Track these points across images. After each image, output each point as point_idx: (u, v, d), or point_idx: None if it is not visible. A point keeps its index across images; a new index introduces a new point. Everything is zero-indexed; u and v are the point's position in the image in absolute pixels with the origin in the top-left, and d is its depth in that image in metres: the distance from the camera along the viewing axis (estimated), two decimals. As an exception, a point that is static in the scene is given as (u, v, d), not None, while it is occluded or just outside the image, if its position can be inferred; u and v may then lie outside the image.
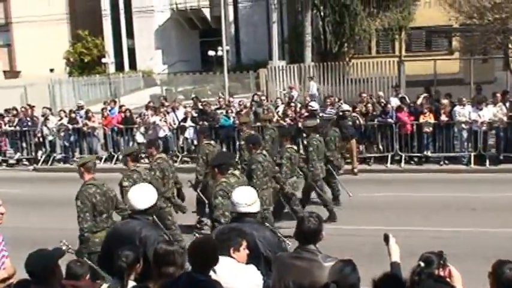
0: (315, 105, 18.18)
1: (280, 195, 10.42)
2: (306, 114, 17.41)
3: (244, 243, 4.76)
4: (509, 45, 19.41)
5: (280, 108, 19.07)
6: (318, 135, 11.86)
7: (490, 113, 16.21)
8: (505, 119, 16.03)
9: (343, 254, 5.01)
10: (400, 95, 18.93)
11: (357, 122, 16.68)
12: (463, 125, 16.32)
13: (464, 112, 16.34)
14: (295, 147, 11.90)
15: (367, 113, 17.05)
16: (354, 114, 16.80)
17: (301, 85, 27.03)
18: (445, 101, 16.86)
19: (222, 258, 4.42)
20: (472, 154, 16.15)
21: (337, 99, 19.09)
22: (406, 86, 23.36)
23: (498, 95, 16.71)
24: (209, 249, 4.27)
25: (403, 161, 16.59)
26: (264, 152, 9.79)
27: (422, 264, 3.93)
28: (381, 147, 17.12)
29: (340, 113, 16.01)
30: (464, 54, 28.99)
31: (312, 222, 4.60)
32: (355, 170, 15.97)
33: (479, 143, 16.13)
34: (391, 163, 16.68)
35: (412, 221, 11.34)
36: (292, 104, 18.97)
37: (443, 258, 4.14)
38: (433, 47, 38.22)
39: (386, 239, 4.62)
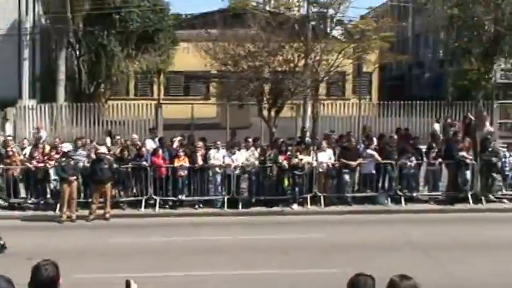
0: (68, 146, 17.67)
1: None
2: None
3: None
4: (263, 92, 20.92)
5: (27, 150, 17.92)
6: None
7: (243, 157, 17.18)
8: (256, 163, 17.10)
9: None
10: (156, 138, 19.12)
11: (112, 165, 16.36)
12: (217, 169, 17.01)
13: (218, 156, 17.08)
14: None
15: (122, 156, 16.83)
16: (109, 157, 16.47)
17: (52, 126, 25.86)
18: (200, 145, 17.44)
19: None
20: (226, 197, 16.86)
21: (89, 141, 18.59)
22: (163, 129, 23.75)
23: (250, 140, 17.86)
24: None
25: (157, 205, 16.63)
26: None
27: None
28: (135, 191, 16.97)
29: (95, 156, 15.63)
30: (220, 100, 30.53)
31: (49, 270, 4.22)
32: (107, 216, 15.59)
33: (233, 187, 16.92)
34: (145, 207, 16.61)
35: (164, 266, 11.32)
36: (40, 145, 17.95)
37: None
38: (191, 91, 39.71)
39: (127, 285, 4.44)
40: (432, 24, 32.17)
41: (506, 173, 17.61)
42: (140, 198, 16.69)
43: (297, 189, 16.81)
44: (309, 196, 16.90)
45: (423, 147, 18.34)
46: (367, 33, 23.77)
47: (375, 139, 18.55)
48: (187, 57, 33.42)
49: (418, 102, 28.21)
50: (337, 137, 19.89)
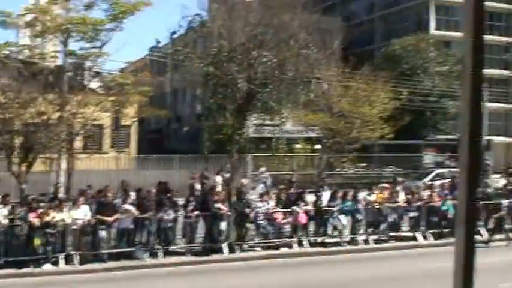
0: None
1: None
2: None
3: None
4: (13, 146, 19.63)
5: None
6: None
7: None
8: (5, 221, 15.93)
9: None
10: None
11: None
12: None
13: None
14: None
15: None
16: None
17: None
18: None
19: None
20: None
21: None
22: None
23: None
24: None
25: None
26: None
27: None
28: None
29: None
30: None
31: None
32: None
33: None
34: None
35: None
36: None
37: None
38: None
39: None
40: (189, 80, 33.56)
41: (259, 222, 18.80)
42: None
43: (49, 248, 15.98)
44: (62, 255, 16.14)
45: (181, 200, 18.78)
46: (126, 87, 23.93)
47: (132, 193, 18.53)
48: None
49: (176, 155, 28.96)
50: (94, 192, 19.41)
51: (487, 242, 19.37)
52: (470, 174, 2.68)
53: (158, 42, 52.42)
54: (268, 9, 19.97)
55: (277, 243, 18.89)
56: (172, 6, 33.86)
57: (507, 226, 20.88)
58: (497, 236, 20.40)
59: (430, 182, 25.16)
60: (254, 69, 19.24)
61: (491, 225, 20.76)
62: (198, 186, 22.69)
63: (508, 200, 21.59)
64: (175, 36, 32.07)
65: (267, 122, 21.42)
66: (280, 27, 19.73)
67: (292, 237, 19.04)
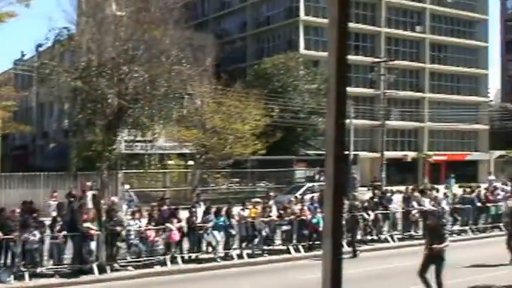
0: None
1: None
2: None
3: None
4: None
5: None
6: None
7: None
8: None
9: None
10: None
11: None
12: None
13: None
14: None
15: None
16: None
17: None
18: None
19: None
20: None
21: None
22: None
23: None
24: None
25: None
26: None
27: None
28: None
29: None
30: None
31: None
32: None
33: None
34: None
35: None
36: None
37: None
38: None
39: None
40: (56, 95, 32.34)
41: (131, 241, 18.41)
42: None
43: None
44: None
45: (48, 220, 18.00)
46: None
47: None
48: None
49: (42, 173, 27.75)
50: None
51: (354, 252, 20.27)
52: (335, 188, 2.76)
53: (23, 55, 50.22)
54: (139, 25, 19.74)
55: (151, 261, 18.61)
56: (38, 18, 32.58)
57: (358, 237, 21.76)
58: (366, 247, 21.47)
59: (300, 196, 25.93)
60: (125, 85, 18.93)
61: (359, 236, 21.79)
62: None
63: (373, 212, 22.80)
64: (41, 49, 30.84)
65: (139, 138, 21.11)
66: (152, 43, 19.60)
67: (165, 255, 18.84)
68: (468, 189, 28.24)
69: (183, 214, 20.12)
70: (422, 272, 13.74)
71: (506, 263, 18.11)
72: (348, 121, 43.27)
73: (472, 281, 15.62)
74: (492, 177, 47.27)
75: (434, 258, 13.72)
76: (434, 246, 13.74)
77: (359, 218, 21.89)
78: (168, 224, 18.89)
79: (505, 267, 17.77)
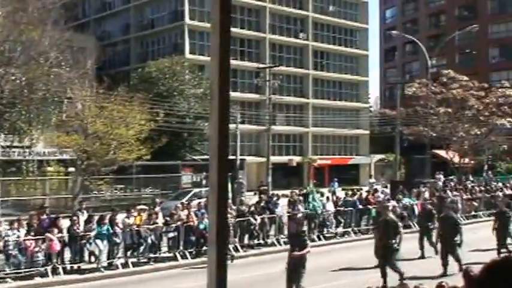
0: None
1: None
2: None
3: None
4: None
5: None
6: None
7: None
8: None
9: None
10: None
11: None
12: None
13: None
14: None
15: None
16: None
17: None
18: None
19: None
20: None
21: None
22: None
23: None
24: None
25: None
26: None
27: None
28: None
29: None
30: None
31: None
32: None
33: None
34: None
35: None
36: None
37: None
38: None
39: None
40: None
41: (10, 252, 17.63)
42: None
43: None
44: None
45: None
46: None
47: None
48: None
49: None
50: None
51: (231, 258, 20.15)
52: (219, 193, 2.80)
53: None
54: (15, 25, 19.01)
55: (31, 273, 17.89)
56: None
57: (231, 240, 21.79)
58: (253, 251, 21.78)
59: (187, 202, 25.90)
60: (1, 88, 18.19)
61: (246, 241, 22.08)
62: None
63: (260, 216, 23.19)
64: None
65: (16, 144, 20.29)
66: (30, 44, 18.93)
67: (46, 266, 18.18)
68: (350, 192, 29.43)
69: (64, 223, 19.51)
70: (289, 282, 13.76)
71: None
72: (234, 126, 43.66)
73: (346, 284, 16.12)
74: (373, 180, 49.61)
75: (295, 266, 13.77)
76: (295, 253, 13.92)
77: (246, 223, 22.19)
78: (48, 234, 18.24)
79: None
